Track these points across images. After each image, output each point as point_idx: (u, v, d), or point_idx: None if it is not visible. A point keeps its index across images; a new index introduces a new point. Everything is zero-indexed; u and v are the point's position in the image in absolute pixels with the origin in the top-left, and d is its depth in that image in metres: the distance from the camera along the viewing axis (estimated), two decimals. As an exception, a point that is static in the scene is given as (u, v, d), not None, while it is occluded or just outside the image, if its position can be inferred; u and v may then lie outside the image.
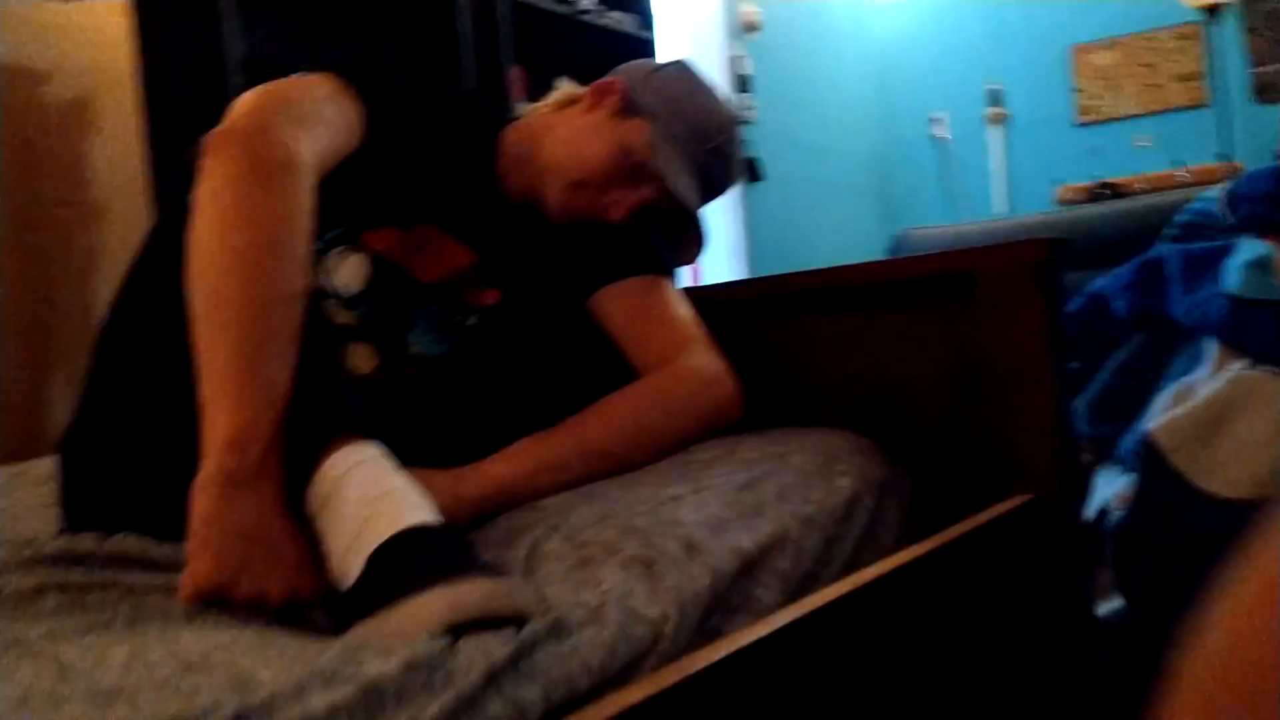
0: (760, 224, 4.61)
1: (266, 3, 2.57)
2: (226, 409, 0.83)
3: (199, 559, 0.78)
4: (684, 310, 1.31)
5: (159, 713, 0.53)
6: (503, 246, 1.28)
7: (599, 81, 1.32)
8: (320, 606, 0.81)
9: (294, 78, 1.12)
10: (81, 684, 0.57)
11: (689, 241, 1.35)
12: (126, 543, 0.90)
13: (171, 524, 0.89)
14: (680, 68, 1.35)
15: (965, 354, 1.27)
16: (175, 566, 0.84)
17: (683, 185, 1.25)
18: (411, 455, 0.90)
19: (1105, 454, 1.54)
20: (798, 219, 4.91)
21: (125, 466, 1.00)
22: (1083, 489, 1.45)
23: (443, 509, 0.85)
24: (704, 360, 1.25)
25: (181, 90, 2.33)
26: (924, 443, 1.29)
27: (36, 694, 0.56)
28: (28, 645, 0.66)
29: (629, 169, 1.25)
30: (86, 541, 0.90)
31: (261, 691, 0.55)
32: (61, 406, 2.30)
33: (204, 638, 0.66)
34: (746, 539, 0.89)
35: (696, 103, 1.31)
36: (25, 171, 2.29)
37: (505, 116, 1.40)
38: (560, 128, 1.31)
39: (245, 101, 1.03)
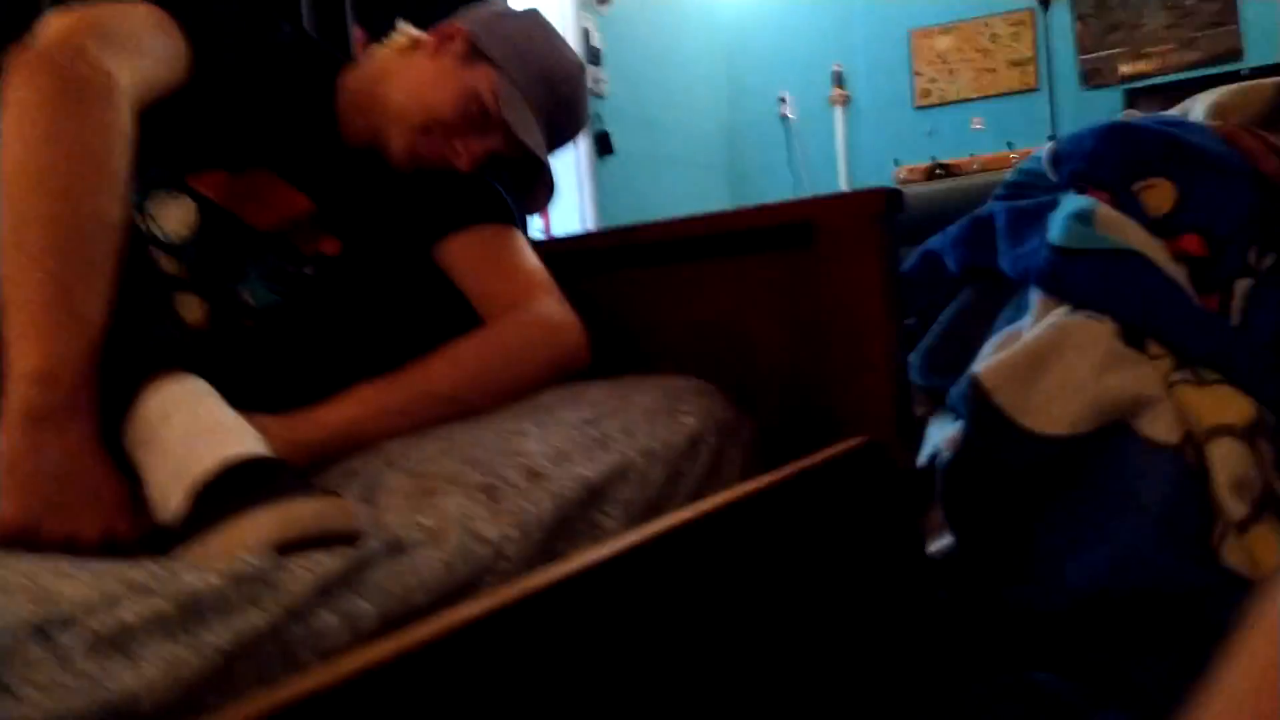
0: (609, 198, 4.62)
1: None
2: (35, 342, 0.78)
3: (3, 501, 0.74)
4: (531, 260, 1.30)
5: (-50, 629, 0.49)
6: (342, 193, 1.24)
7: (442, 25, 1.29)
8: (143, 549, 0.78)
9: (110, 4, 1.06)
10: None
11: (537, 190, 1.34)
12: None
13: None
14: (527, 15, 1.34)
15: (806, 303, 1.30)
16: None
17: (530, 134, 1.23)
18: (245, 408, 0.86)
19: (938, 404, 1.60)
20: (647, 193, 4.94)
21: None
22: (917, 436, 1.51)
23: (277, 455, 0.82)
24: (551, 308, 1.24)
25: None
26: (767, 389, 1.32)
27: None
28: None
29: (476, 116, 1.23)
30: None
31: (63, 604, 0.52)
32: None
33: (6, 563, 0.62)
34: (590, 468, 0.89)
35: (544, 50, 1.30)
36: None
37: (342, 59, 1.35)
38: (404, 72, 1.27)
39: (55, 21, 0.97)
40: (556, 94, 1.28)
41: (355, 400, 1.07)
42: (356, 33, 2.88)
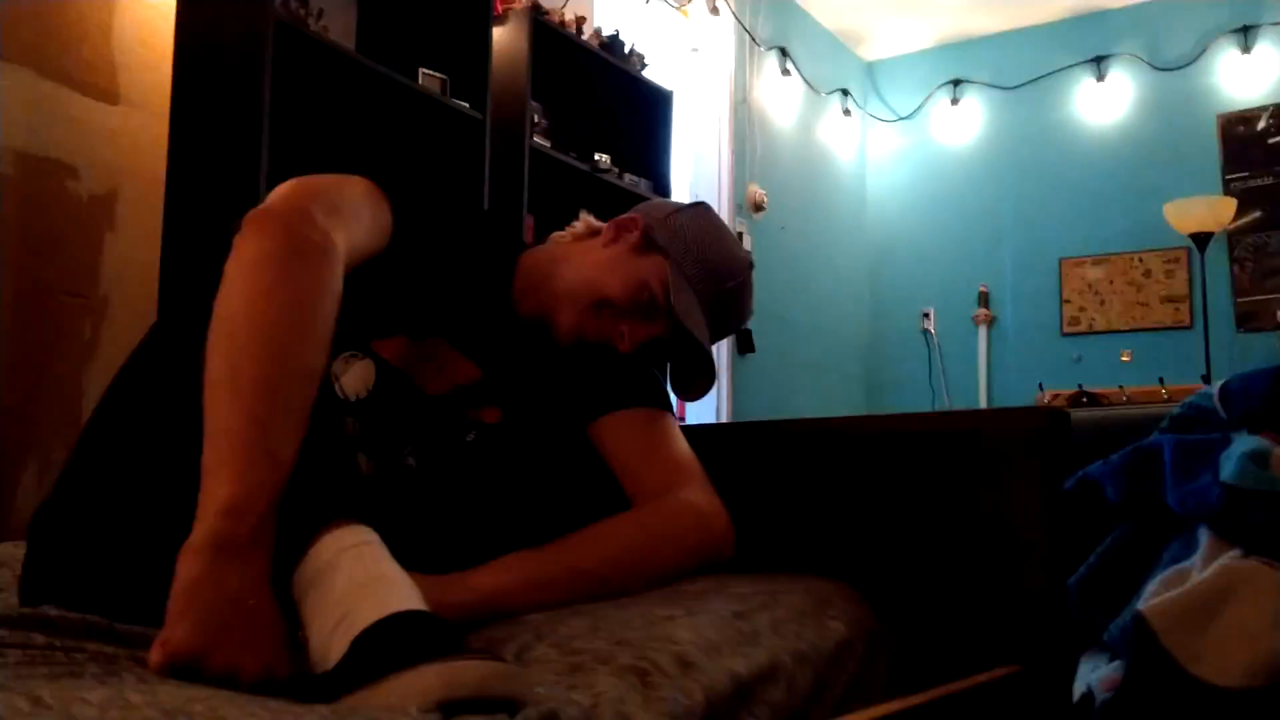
0: (745, 394, 4.66)
1: (299, 129, 2.66)
2: (229, 475, 0.82)
3: (176, 623, 0.75)
4: (683, 446, 1.31)
5: (138, 748, 0.50)
6: (509, 366, 1.29)
7: (621, 217, 1.36)
8: (292, 692, 0.78)
9: (332, 175, 1.15)
10: (56, 716, 0.54)
11: (696, 379, 1.37)
12: (91, 618, 0.87)
13: (135, 606, 0.86)
14: (699, 210, 1.40)
15: (963, 516, 1.27)
16: (141, 642, 0.81)
17: (694, 324, 1.27)
18: (402, 562, 0.88)
19: (1091, 639, 1.51)
20: (783, 395, 4.96)
21: (92, 545, 0.97)
22: (1071, 667, 1.43)
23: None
24: (700, 496, 1.24)
25: (204, 198, 2.38)
26: (912, 600, 1.27)
27: (11, 718, 0.53)
28: (-3, 682, 0.63)
29: (644, 303, 1.27)
30: (49, 610, 0.87)
31: (246, 741, 0.53)
32: (30, 495, 2.25)
33: (182, 690, 0.63)
34: (741, 664, 0.87)
35: (713, 244, 1.35)
36: (40, 259, 2.32)
37: (525, 242, 1.43)
38: (579, 256, 1.34)
39: (285, 187, 1.06)
40: (722, 286, 1.32)
41: (504, 569, 1.08)
42: (527, 220, 3.05)
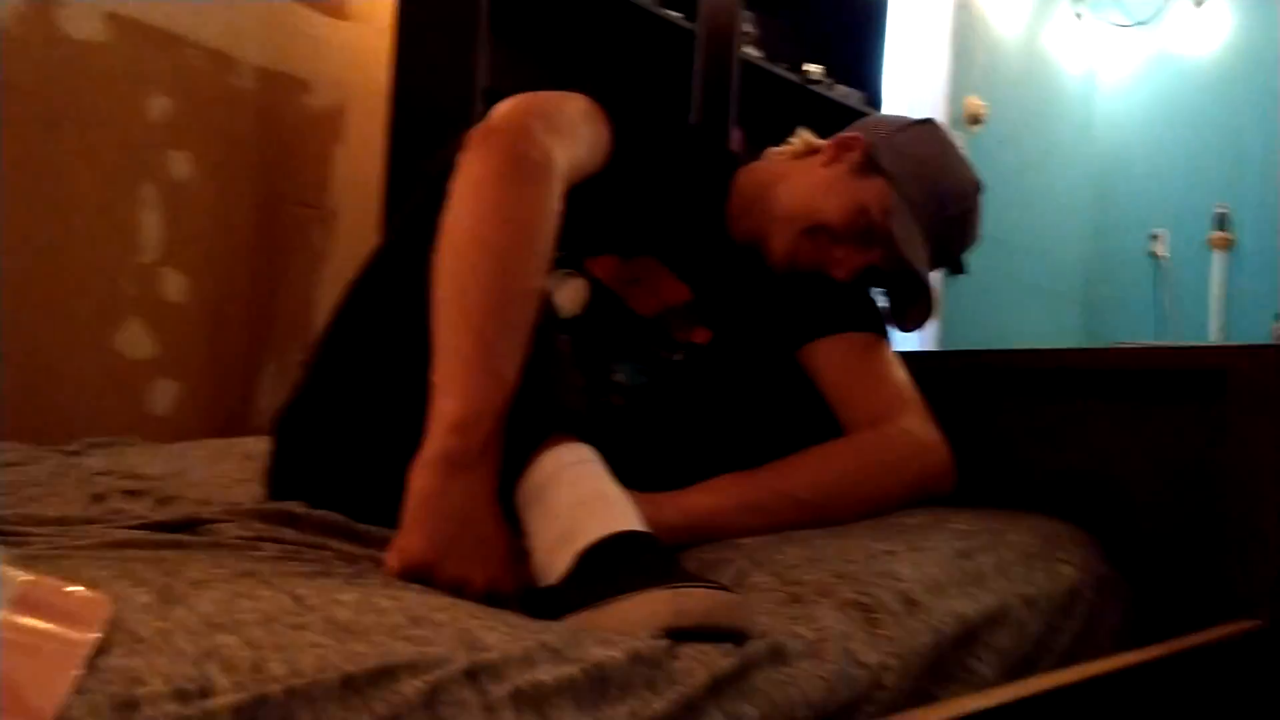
0: (955, 319, 4.49)
1: (517, 43, 2.69)
2: (457, 392, 0.84)
3: (411, 534, 0.79)
4: (900, 374, 1.27)
5: (393, 654, 0.53)
6: (720, 286, 1.27)
7: (841, 135, 1.30)
8: (517, 603, 0.81)
9: (553, 92, 1.15)
10: (318, 616, 0.58)
11: (913, 308, 1.31)
12: (332, 516, 0.92)
13: (371, 507, 0.90)
14: (927, 128, 1.32)
15: (1204, 461, 1.18)
16: (378, 543, 0.85)
17: (913, 252, 1.21)
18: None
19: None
20: (995, 319, 4.76)
21: (333, 447, 1.03)
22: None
23: None
24: (918, 426, 1.20)
25: (426, 112, 2.44)
26: (1144, 546, 1.20)
27: (280, 615, 0.56)
28: (261, 576, 0.67)
29: (862, 228, 1.22)
30: (295, 507, 0.92)
31: (491, 653, 0.54)
32: (269, 392, 2.41)
33: (426, 596, 0.66)
34: (968, 606, 0.84)
35: (939, 167, 1.28)
36: (274, 170, 2.45)
37: (740, 159, 1.40)
38: (797, 176, 1.29)
39: (507, 105, 1.06)
40: (946, 212, 1.26)
41: (718, 491, 1.08)
42: (736, 134, 3.00)
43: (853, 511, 1.11)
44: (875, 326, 1.30)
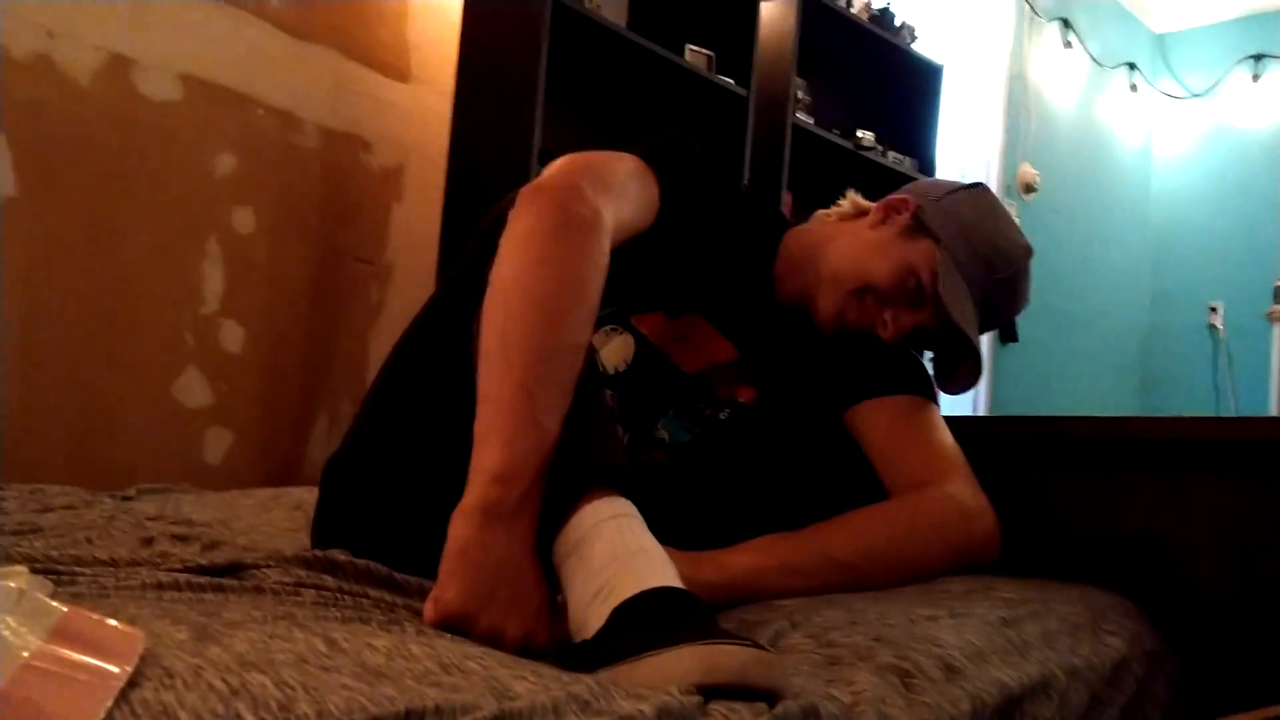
0: (1006, 387, 4.44)
1: (572, 107, 2.75)
2: (500, 443, 0.84)
3: (448, 585, 0.79)
4: (946, 437, 1.25)
5: (422, 698, 0.53)
6: (766, 346, 1.27)
7: (891, 197, 1.30)
8: (551, 656, 0.80)
9: (604, 151, 1.17)
10: (350, 659, 0.58)
11: (962, 370, 1.30)
12: (374, 565, 0.93)
13: (414, 558, 0.91)
14: (976, 191, 1.32)
15: (1258, 533, 1.15)
16: (417, 593, 0.86)
17: (961, 313, 1.20)
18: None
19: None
20: (1048, 389, 4.70)
21: (378, 498, 1.04)
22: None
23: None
24: (965, 491, 1.19)
25: (482, 172, 2.50)
26: (1196, 621, 1.17)
27: (311, 657, 0.57)
28: (296, 620, 0.68)
29: (911, 290, 1.22)
30: (338, 555, 0.93)
31: (519, 702, 0.54)
32: (321, 443, 2.45)
33: (459, 645, 0.66)
34: (1009, 675, 0.82)
35: (988, 230, 1.27)
36: (334, 226, 2.51)
37: (789, 221, 1.41)
38: (845, 237, 1.30)
39: (558, 163, 1.08)
40: (996, 274, 1.25)
41: (758, 551, 1.07)
42: (787, 198, 3.02)
43: (895, 576, 1.10)
44: (923, 390, 1.29)
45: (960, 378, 1.29)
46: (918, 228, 1.25)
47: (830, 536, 1.10)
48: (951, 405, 4.36)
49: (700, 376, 1.24)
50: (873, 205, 1.32)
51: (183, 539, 1.16)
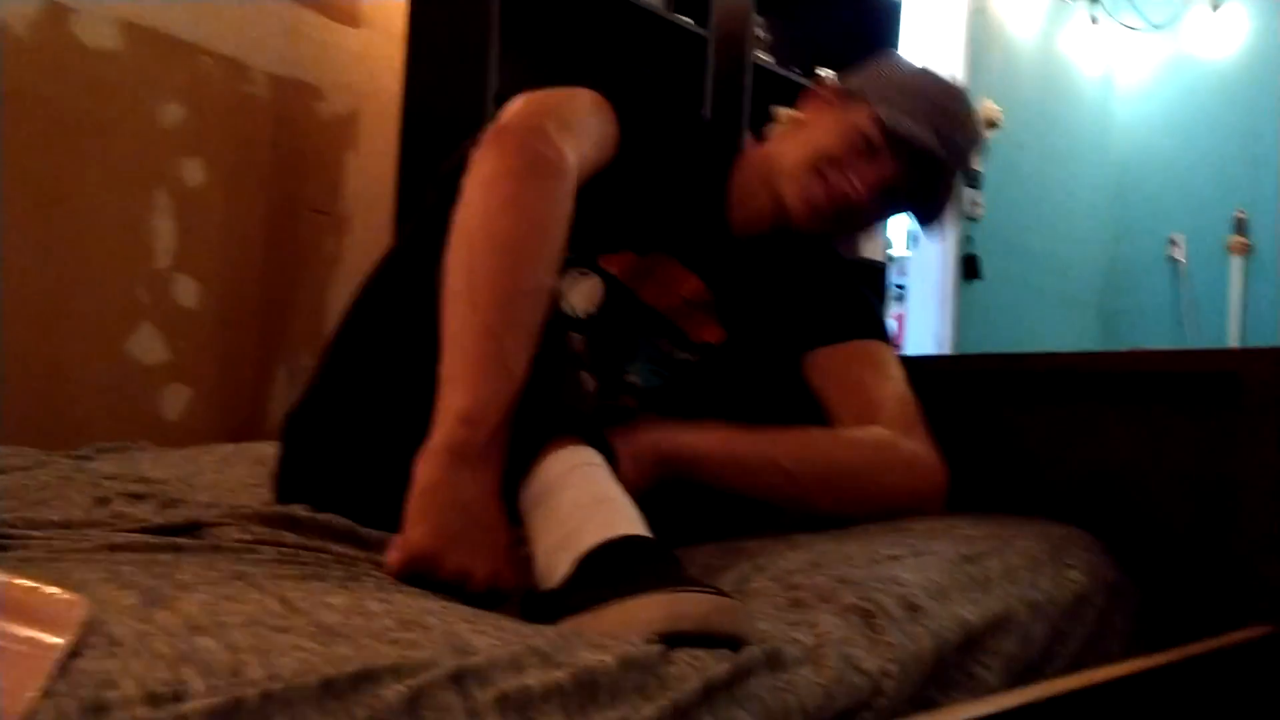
0: (970, 323, 4.47)
1: (528, 49, 2.69)
2: (466, 384, 0.83)
3: (415, 524, 0.78)
4: (900, 387, 1.25)
5: (379, 657, 0.52)
6: (730, 283, 1.26)
7: (807, 92, 1.33)
8: (516, 606, 0.80)
9: (561, 88, 1.15)
10: (305, 619, 0.57)
11: (937, 193, 1.29)
12: (335, 519, 0.92)
13: (377, 510, 0.90)
14: (884, 56, 1.35)
15: (1218, 465, 1.17)
16: (379, 546, 0.85)
17: (911, 131, 1.20)
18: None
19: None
20: (1011, 324, 4.73)
21: (340, 449, 1.02)
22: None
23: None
24: (914, 444, 1.19)
25: (438, 118, 2.45)
26: (1154, 551, 1.19)
27: (265, 618, 0.56)
28: (252, 579, 0.67)
29: (862, 147, 1.22)
30: (299, 510, 0.92)
31: (478, 657, 0.54)
32: (282, 397, 2.42)
33: (418, 600, 0.65)
34: (971, 611, 0.83)
35: (909, 72, 1.29)
36: (290, 176, 2.46)
37: (739, 147, 1.39)
38: (787, 140, 1.30)
39: (518, 104, 1.06)
40: (938, 106, 1.24)
41: (708, 435, 1.09)
42: (748, 138, 2.99)
43: (831, 499, 1.11)
44: (879, 334, 1.29)
45: (941, 200, 1.28)
46: (846, 95, 1.26)
47: (780, 442, 1.12)
48: (918, 344, 4.38)
49: (670, 315, 1.24)
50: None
51: (139, 498, 1.14)
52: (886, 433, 1.18)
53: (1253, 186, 5.10)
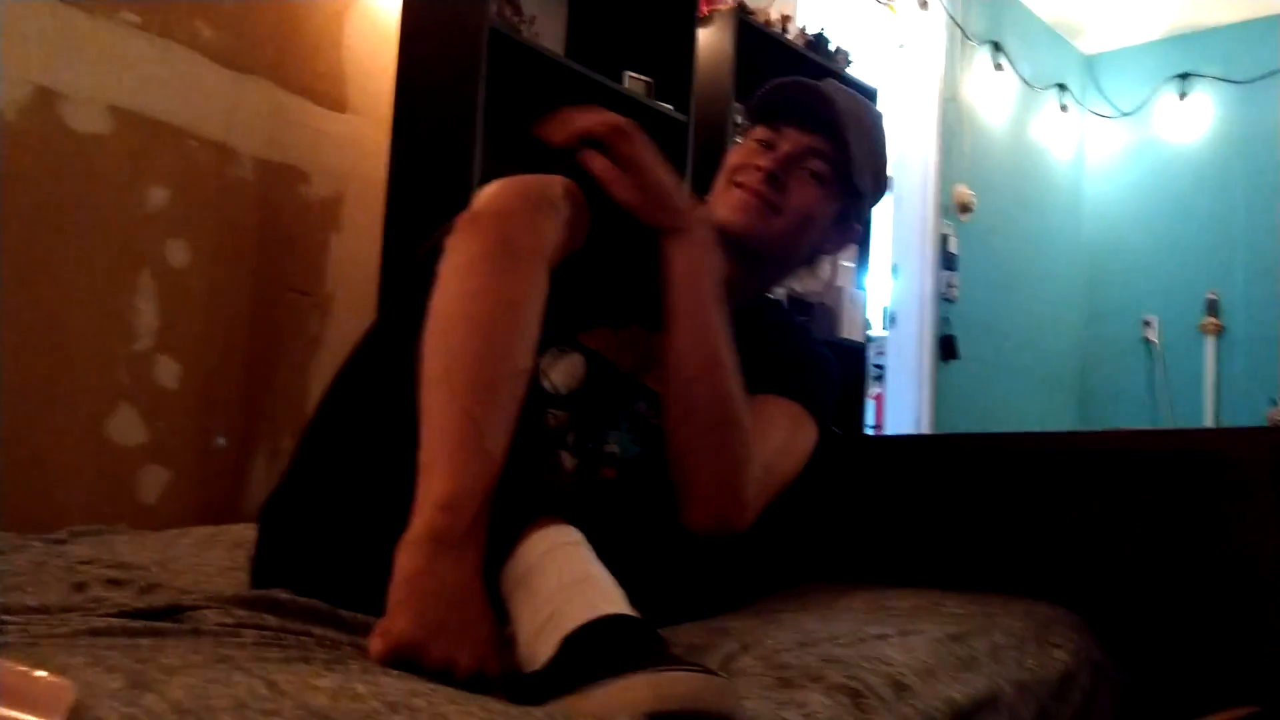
0: (948, 403, 4.50)
1: (510, 131, 2.74)
2: (446, 471, 0.84)
3: (398, 615, 0.78)
4: (785, 445, 1.24)
5: (367, 740, 0.51)
6: None
7: None
8: (501, 689, 0.79)
9: (535, 175, 1.17)
10: (292, 702, 0.57)
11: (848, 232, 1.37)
12: (317, 603, 0.91)
13: (358, 593, 0.89)
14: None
15: (1196, 543, 1.17)
16: (362, 629, 0.84)
17: (789, 90, 1.26)
18: (602, 557, 0.88)
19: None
20: (989, 404, 4.77)
21: (319, 533, 1.02)
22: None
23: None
24: (757, 498, 1.18)
25: (422, 201, 2.48)
26: (1138, 631, 1.19)
27: (252, 701, 0.55)
28: (236, 663, 0.66)
29: (758, 146, 1.27)
30: (280, 593, 0.91)
31: (464, 737, 0.53)
32: (262, 479, 2.40)
33: (404, 682, 0.65)
34: (958, 690, 0.83)
35: (798, 83, 1.32)
36: (272, 258, 2.48)
37: None
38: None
39: (492, 189, 1.08)
40: (812, 83, 1.29)
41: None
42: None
43: (710, 414, 1.12)
44: (811, 405, 1.29)
45: (850, 150, 1.28)
46: (748, 129, 1.34)
47: (733, 370, 1.14)
48: (896, 423, 4.39)
49: (648, 381, 1.25)
50: None
51: (117, 583, 1.13)
52: (762, 453, 1.17)
53: (1223, 268, 5.21)
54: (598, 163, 1.13)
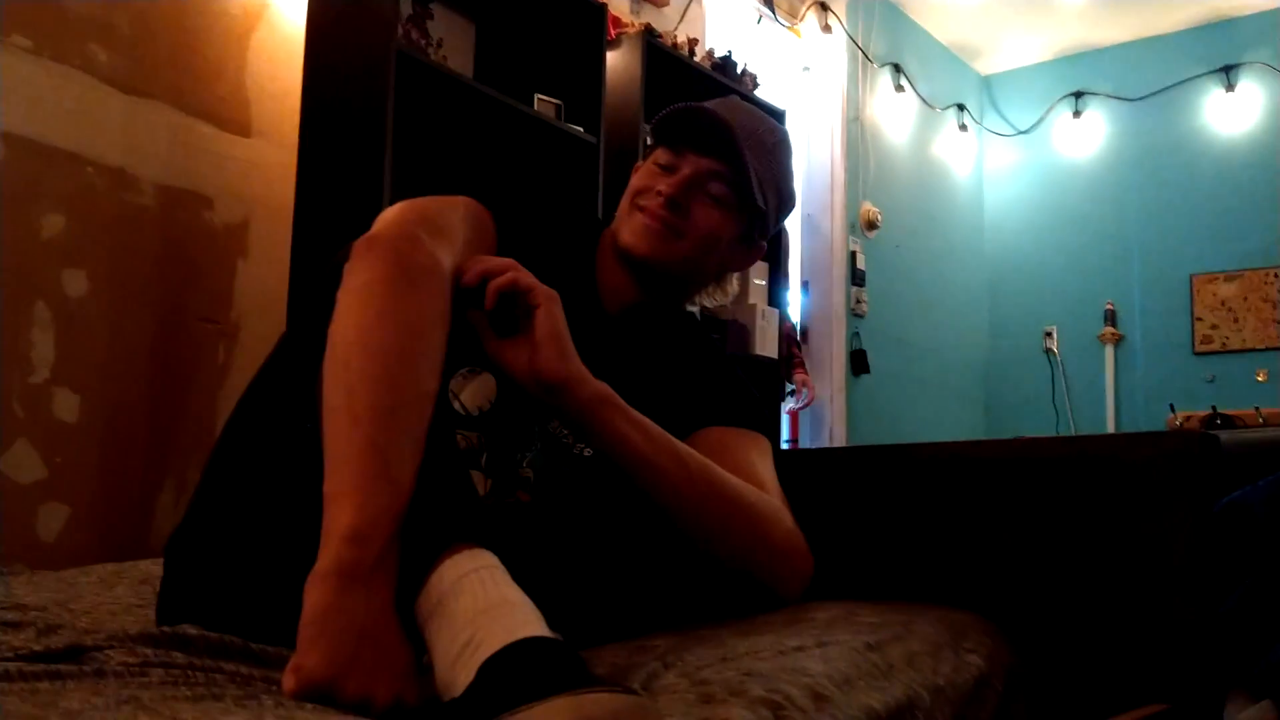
0: (860, 416, 4.58)
1: (420, 155, 2.72)
2: (351, 502, 0.82)
3: (309, 653, 0.76)
4: (772, 473, 1.27)
5: (280, 775, 0.50)
6: (610, 357, 1.27)
7: None
8: (420, 718, 0.78)
9: (436, 196, 1.16)
10: (201, 739, 0.55)
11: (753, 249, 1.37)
12: (227, 637, 0.88)
13: (269, 627, 0.87)
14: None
15: (1102, 546, 1.21)
16: (274, 662, 0.82)
17: (684, 110, 1.26)
18: (518, 580, 0.87)
19: (1238, 676, 1.43)
20: (900, 416, 4.87)
21: (226, 567, 0.99)
22: (1219, 705, 1.35)
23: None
24: (798, 531, 1.21)
25: (330, 226, 2.44)
26: (1049, 633, 1.22)
27: (158, 740, 0.54)
28: (142, 703, 0.64)
29: (659, 170, 1.28)
30: (188, 629, 0.89)
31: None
32: (168, 513, 2.33)
33: (320, 715, 0.63)
34: (876, 699, 0.84)
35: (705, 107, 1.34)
36: (176, 286, 2.41)
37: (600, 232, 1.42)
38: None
39: (390, 212, 1.07)
40: (709, 107, 1.29)
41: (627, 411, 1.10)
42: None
43: (718, 521, 1.12)
44: (758, 425, 1.31)
45: (748, 167, 1.28)
46: (651, 150, 1.32)
47: (694, 453, 1.13)
48: (810, 438, 4.45)
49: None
50: None
51: (15, 625, 1.08)
52: (777, 502, 1.20)
53: (1120, 279, 5.41)
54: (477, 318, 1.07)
